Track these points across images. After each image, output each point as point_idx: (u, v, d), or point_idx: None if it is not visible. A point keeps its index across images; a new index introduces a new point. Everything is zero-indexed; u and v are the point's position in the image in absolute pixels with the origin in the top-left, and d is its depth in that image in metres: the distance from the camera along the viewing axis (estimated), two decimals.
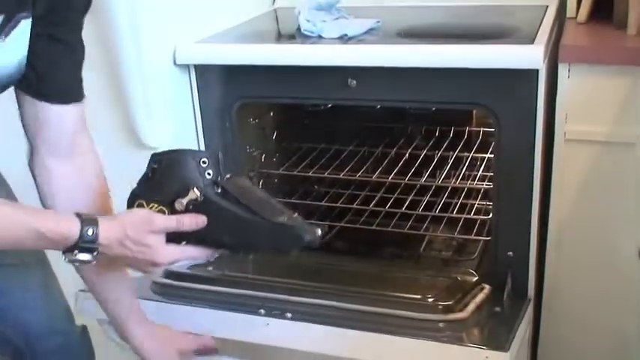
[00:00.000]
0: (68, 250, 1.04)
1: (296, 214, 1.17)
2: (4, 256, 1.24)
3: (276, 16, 1.94)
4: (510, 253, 1.49)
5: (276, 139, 1.95)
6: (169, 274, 1.49)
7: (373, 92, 1.52)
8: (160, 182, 1.14)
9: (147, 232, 1.08)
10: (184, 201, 1.11)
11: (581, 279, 1.54)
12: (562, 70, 1.42)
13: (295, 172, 1.91)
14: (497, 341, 1.23)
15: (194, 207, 1.12)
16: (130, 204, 1.14)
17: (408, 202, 1.84)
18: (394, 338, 1.21)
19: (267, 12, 1.97)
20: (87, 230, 1.03)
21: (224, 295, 1.40)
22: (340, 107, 1.90)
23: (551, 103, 1.45)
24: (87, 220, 1.04)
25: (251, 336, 1.30)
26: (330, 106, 1.90)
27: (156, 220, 1.09)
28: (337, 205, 1.90)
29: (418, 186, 1.86)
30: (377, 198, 1.87)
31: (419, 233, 1.80)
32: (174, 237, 1.11)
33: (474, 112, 1.95)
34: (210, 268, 1.65)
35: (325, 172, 1.90)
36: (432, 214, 1.80)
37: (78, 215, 1.04)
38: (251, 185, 1.22)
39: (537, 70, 1.36)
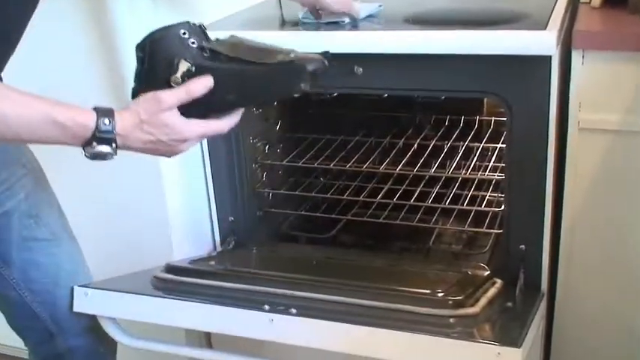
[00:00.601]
0: (87, 144, 1.05)
1: (294, 50, 1.14)
2: (38, 231, 1.28)
3: (280, 3, 1.91)
4: (523, 246, 1.47)
5: (280, 129, 1.92)
6: (170, 269, 1.48)
7: (380, 80, 1.49)
8: (150, 67, 1.13)
9: (159, 111, 1.08)
10: (178, 75, 1.11)
11: (595, 272, 1.51)
12: (576, 57, 1.39)
13: (300, 164, 1.89)
14: (510, 337, 1.20)
15: (190, 78, 1.11)
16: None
17: (416, 193, 1.82)
18: (403, 334, 1.19)
19: None
20: (103, 120, 1.05)
21: (227, 291, 1.38)
22: (346, 96, 1.87)
23: (565, 91, 1.42)
24: (102, 111, 1.06)
25: (255, 332, 1.28)
26: (335, 94, 1.87)
27: (163, 97, 1.10)
28: (344, 197, 1.88)
29: (427, 177, 1.84)
30: (384, 190, 1.86)
31: (428, 226, 1.79)
32: (182, 114, 1.11)
33: (485, 100, 1.93)
34: (213, 263, 1.64)
35: (331, 164, 1.88)
36: (442, 206, 1.78)
37: (94, 108, 1.06)
38: (239, 38, 1.20)
39: (550, 57, 1.33)
